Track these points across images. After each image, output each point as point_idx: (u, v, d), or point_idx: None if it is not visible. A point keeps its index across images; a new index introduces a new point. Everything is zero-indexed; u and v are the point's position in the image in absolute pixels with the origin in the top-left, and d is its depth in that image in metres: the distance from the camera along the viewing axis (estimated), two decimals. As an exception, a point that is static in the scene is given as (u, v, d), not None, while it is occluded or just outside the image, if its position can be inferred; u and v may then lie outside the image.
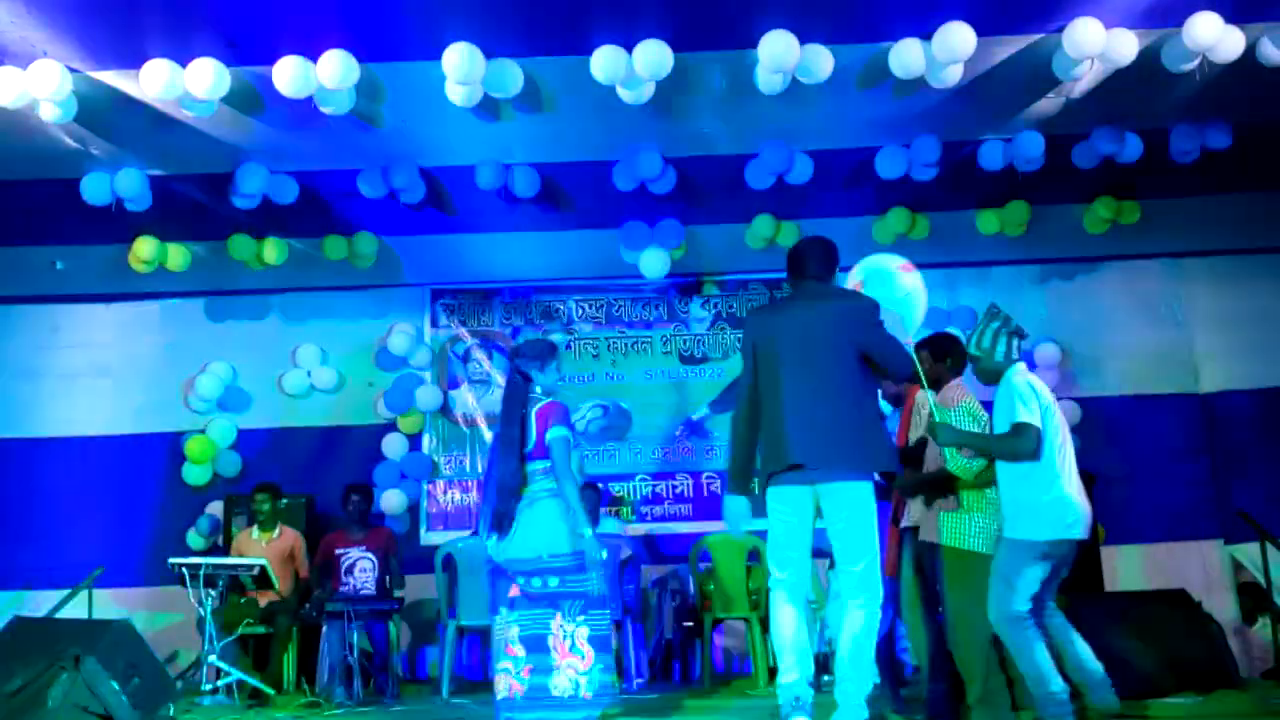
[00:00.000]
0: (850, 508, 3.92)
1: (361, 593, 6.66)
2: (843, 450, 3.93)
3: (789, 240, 6.99)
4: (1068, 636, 4.11)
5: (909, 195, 7.01)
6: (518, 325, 8.33)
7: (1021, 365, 4.19)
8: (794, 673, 3.92)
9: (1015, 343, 4.22)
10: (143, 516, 7.79)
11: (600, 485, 7.49)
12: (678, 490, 8.04)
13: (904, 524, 4.60)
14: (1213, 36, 5.24)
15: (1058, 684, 3.94)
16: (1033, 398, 4.05)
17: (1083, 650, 4.08)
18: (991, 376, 4.22)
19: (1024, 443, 4.00)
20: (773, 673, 6.40)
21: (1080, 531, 4.06)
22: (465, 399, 8.24)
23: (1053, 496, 4.01)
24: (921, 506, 4.44)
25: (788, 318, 4.13)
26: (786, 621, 3.96)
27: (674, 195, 6.80)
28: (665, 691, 6.46)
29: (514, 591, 4.58)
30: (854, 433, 3.95)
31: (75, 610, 7.10)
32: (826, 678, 5.52)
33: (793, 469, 3.93)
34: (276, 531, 7.00)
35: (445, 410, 8.19)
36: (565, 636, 4.47)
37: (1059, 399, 4.59)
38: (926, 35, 5.37)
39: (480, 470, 8.08)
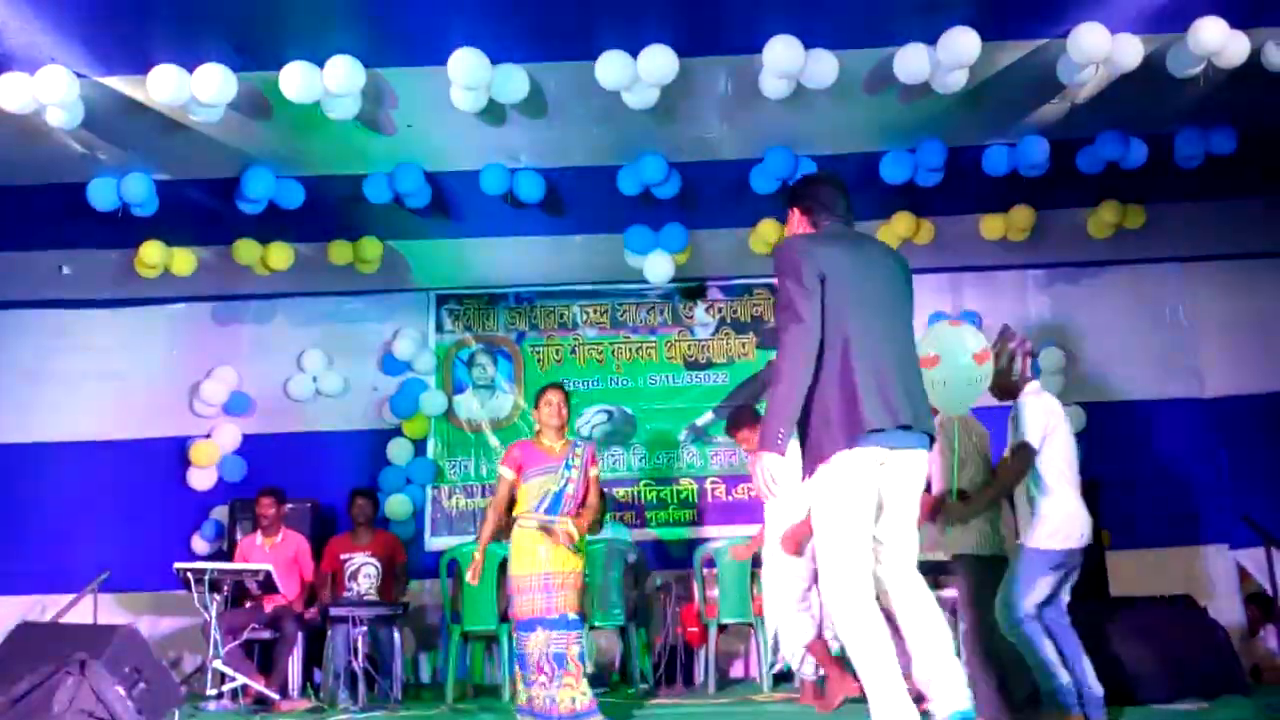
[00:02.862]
0: (920, 482, 3.35)
1: (366, 598, 6.66)
2: (929, 415, 3.38)
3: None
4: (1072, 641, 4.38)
5: (913, 200, 6.99)
6: (522, 330, 8.35)
7: (1035, 383, 4.58)
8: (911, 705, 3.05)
9: (1028, 361, 4.60)
10: (148, 521, 7.80)
11: (605, 490, 7.47)
12: (682, 495, 8.03)
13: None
14: (1218, 41, 5.23)
15: (1065, 676, 4.27)
16: (1037, 419, 4.41)
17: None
18: (1006, 393, 4.60)
19: (1023, 463, 4.40)
20: (776, 678, 6.43)
21: (1086, 540, 4.42)
22: (470, 404, 8.24)
23: (1067, 510, 4.37)
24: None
25: (863, 255, 3.44)
26: (886, 635, 3.11)
27: (678, 200, 6.79)
28: (669, 697, 6.46)
29: None
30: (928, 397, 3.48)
31: (81, 615, 7.13)
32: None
33: (888, 430, 3.21)
34: (281, 536, 7.00)
35: (450, 415, 8.20)
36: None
37: (1064, 404, 4.67)
38: (931, 40, 5.37)
39: (485, 475, 8.08)
